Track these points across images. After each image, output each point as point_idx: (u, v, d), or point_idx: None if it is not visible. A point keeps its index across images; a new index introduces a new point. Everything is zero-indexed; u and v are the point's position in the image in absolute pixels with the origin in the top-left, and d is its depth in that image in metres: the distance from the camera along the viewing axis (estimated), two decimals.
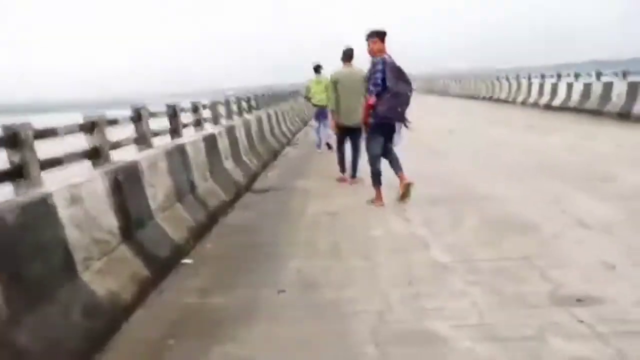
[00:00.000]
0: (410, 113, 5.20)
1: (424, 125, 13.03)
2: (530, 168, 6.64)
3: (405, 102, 4.98)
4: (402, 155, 5.40)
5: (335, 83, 6.39)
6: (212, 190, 5.34)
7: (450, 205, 4.90)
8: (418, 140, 10.14)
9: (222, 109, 9.99)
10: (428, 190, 5.59)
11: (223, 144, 6.40)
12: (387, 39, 5.03)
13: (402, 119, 5.05)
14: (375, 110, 5.00)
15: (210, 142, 5.87)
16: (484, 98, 24.53)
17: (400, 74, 4.92)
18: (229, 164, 6.40)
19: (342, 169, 6.80)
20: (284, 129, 12.37)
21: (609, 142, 8.53)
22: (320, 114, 9.52)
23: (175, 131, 7.25)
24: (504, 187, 5.65)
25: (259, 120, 9.56)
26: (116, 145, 4.98)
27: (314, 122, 10.40)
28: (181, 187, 4.50)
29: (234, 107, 11.34)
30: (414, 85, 5.39)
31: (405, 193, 5.12)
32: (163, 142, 5.49)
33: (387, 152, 5.25)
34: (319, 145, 9.99)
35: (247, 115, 10.40)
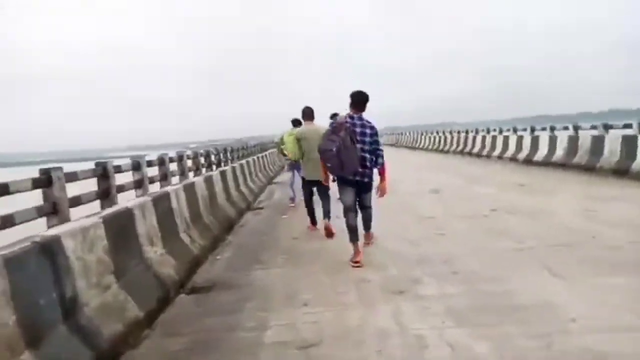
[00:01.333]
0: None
1: (402, 181, 11.81)
2: (571, 249, 4.96)
3: (333, 158, 4.97)
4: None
5: (299, 140, 6.77)
6: (113, 305, 3.39)
7: (490, 330, 3.14)
8: (401, 204, 8.65)
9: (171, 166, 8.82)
10: (440, 290, 3.91)
11: (146, 221, 4.53)
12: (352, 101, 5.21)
13: (342, 174, 5.09)
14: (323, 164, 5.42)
15: (119, 223, 3.98)
16: (454, 152, 23.77)
17: (335, 131, 5.00)
18: (152, 252, 4.50)
19: (313, 221, 7.19)
20: (244, 189, 10.56)
21: (628, 205, 7.23)
22: (295, 166, 9.30)
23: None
24: (563, 290, 3.81)
25: (209, 181, 7.71)
26: None
27: (287, 174, 10.46)
28: (42, 316, 2.62)
29: (188, 163, 10.37)
30: (380, 139, 5.54)
31: (355, 262, 5.01)
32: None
33: (361, 207, 5.44)
34: (292, 199, 9.76)
35: (191, 177, 8.44)
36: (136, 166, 7.62)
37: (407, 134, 40.11)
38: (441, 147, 26.86)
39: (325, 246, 5.99)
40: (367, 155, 5.07)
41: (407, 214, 7.72)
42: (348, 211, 5.20)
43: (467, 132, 26.72)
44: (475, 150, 20.79)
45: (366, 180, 5.15)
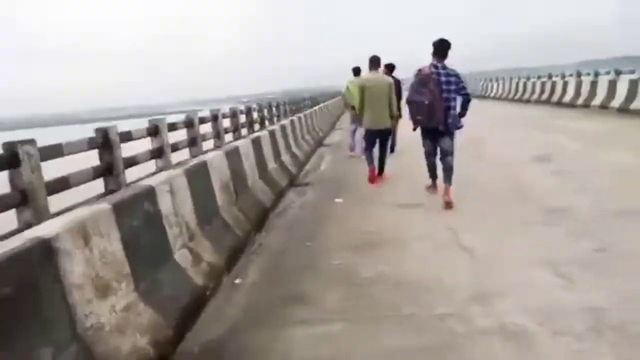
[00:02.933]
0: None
1: (491, 143, 9.24)
2: None
3: (423, 110, 5.27)
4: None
5: (362, 88, 6.64)
6: None
7: None
8: (506, 182, 6.15)
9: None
10: None
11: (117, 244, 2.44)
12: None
13: (428, 125, 5.37)
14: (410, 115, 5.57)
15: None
16: (537, 101, 20.14)
17: (422, 83, 5.25)
18: (124, 300, 2.47)
19: (371, 164, 6.92)
20: (286, 158, 8.33)
21: None
22: (358, 119, 8.30)
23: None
24: None
25: (234, 154, 5.54)
26: None
27: (350, 125, 9.96)
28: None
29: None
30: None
31: (446, 205, 5.24)
32: None
33: (442, 157, 5.55)
34: (353, 149, 9.63)
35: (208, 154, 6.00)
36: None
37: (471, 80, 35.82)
38: (518, 95, 23.10)
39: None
40: (451, 105, 5.25)
41: (522, 203, 5.20)
42: (429, 155, 5.82)
43: (550, 76, 22.80)
44: (567, 98, 17.20)
45: (450, 128, 5.34)
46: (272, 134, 7.54)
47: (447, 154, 5.48)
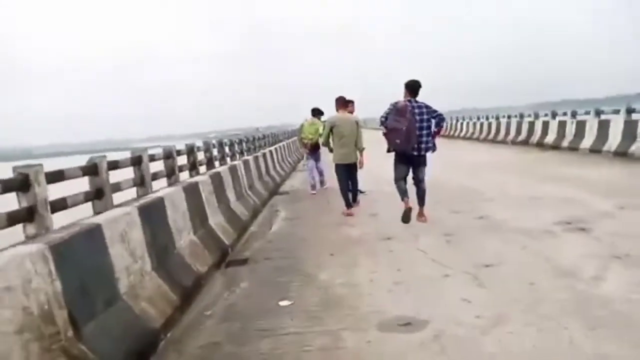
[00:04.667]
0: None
1: (489, 198, 7.31)
2: None
3: (401, 136, 5.94)
4: None
5: (331, 127, 7.14)
6: None
7: None
8: (545, 269, 3.96)
9: None
10: None
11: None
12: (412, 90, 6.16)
13: (405, 149, 6.03)
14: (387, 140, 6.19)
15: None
16: (512, 142, 18.79)
17: (399, 114, 5.96)
18: None
19: (346, 201, 7.26)
20: (218, 220, 6.02)
21: None
22: (314, 155, 9.77)
23: None
24: None
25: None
26: None
27: (306, 162, 10.38)
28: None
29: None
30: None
31: (406, 216, 6.18)
32: None
33: (416, 182, 6.25)
34: (313, 186, 9.86)
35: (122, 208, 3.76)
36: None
37: None
38: (491, 136, 21.80)
39: None
40: (424, 132, 6.02)
41: (589, 325, 3.05)
42: (399, 180, 6.26)
43: (521, 115, 21.72)
44: (549, 140, 15.80)
45: (422, 153, 6.10)
46: (191, 188, 5.21)
47: (421, 181, 6.25)
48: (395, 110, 6.01)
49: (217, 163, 12.72)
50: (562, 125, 15.49)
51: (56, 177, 4.75)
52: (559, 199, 7.05)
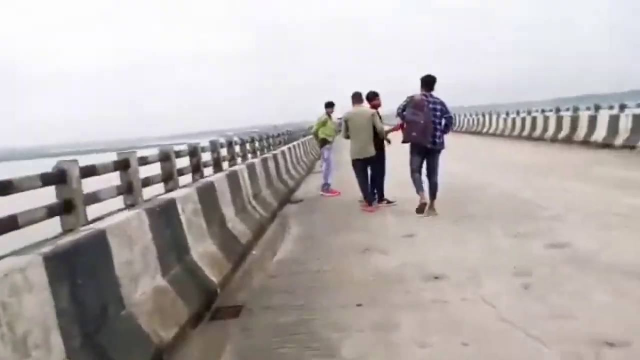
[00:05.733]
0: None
1: (565, 222, 5.27)
2: None
3: (419, 129, 6.20)
4: None
5: (346, 121, 7.23)
6: None
7: None
8: None
9: None
10: None
11: None
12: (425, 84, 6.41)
13: (421, 141, 6.25)
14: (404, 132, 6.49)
15: None
16: (551, 139, 16.93)
17: (418, 107, 6.22)
18: None
19: (365, 195, 7.21)
20: (207, 249, 4.56)
21: None
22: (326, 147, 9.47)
23: None
24: None
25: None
26: None
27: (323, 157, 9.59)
28: None
29: None
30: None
31: (420, 208, 6.35)
32: None
33: (428, 174, 6.43)
34: (326, 185, 9.19)
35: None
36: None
37: (463, 115, 32.85)
38: (526, 132, 19.88)
39: None
40: (438, 126, 6.22)
41: None
42: (415, 172, 6.45)
43: (557, 110, 19.87)
44: (599, 136, 13.94)
45: (437, 147, 6.29)
46: (162, 209, 3.73)
47: (433, 174, 6.42)
48: (413, 104, 6.28)
49: (225, 164, 11.38)
50: (614, 119, 13.61)
51: None
52: None
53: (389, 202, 7.33)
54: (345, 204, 8.06)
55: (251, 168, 7.22)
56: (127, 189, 6.34)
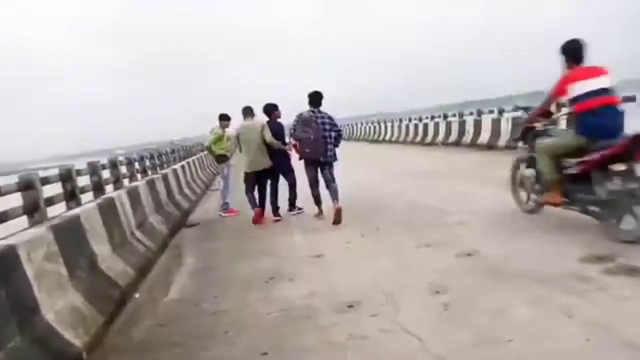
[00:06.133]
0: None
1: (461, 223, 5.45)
2: None
3: (310, 145, 6.54)
4: None
5: (237, 136, 7.47)
6: None
7: None
8: None
9: None
10: None
11: None
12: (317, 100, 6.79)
13: (314, 157, 6.59)
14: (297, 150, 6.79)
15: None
16: (443, 143, 17.89)
17: (306, 124, 6.54)
18: None
19: (253, 206, 7.38)
20: (73, 302, 3.62)
21: None
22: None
23: None
24: None
25: None
26: None
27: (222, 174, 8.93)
28: None
29: None
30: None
31: (336, 218, 6.34)
32: None
33: (326, 184, 6.64)
34: (225, 207, 8.53)
35: None
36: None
37: (356, 124, 33.87)
38: (417, 138, 20.91)
39: None
40: (329, 140, 6.55)
41: None
42: (312, 185, 6.78)
43: (444, 116, 21.16)
44: (483, 139, 14.93)
45: (329, 160, 6.63)
46: None
47: (331, 181, 6.65)
48: (302, 121, 6.59)
49: (110, 187, 10.00)
50: (496, 122, 14.68)
51: None
52: (560, 217, 5.49)
53: (299, 208, 7.43)
54: (247, 224, 7.40)
55: (133, 193, 6.25)
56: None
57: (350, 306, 3.59)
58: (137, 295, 4.58)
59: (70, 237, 3.90)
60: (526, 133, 5.44)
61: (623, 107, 4.53)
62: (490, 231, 5.19)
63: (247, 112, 7.53)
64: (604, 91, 4.38)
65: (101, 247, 4.49)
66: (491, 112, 19.09)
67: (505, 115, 15.88)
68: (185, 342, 3.37)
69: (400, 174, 10.90)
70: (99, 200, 5.09)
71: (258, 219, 7.22)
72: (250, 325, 3.50)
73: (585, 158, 4.40)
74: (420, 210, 6.65)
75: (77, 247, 4.01)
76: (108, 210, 5.03)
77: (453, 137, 17.44)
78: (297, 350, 3.02)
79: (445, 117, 20.91)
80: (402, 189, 8.72)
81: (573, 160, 4.60)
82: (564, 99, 4.81)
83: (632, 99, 8.67)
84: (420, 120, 23.01)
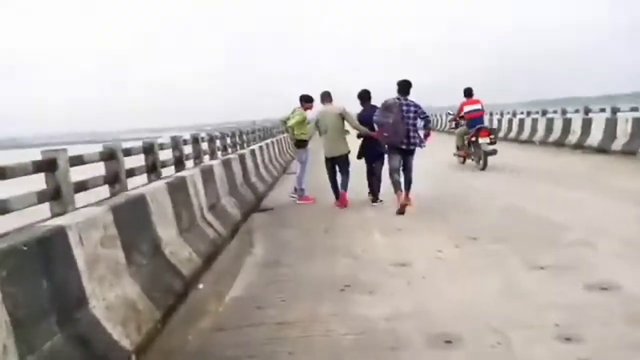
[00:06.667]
0: None
1: None
2: None
3: (389, 129, 6.50)
4: None
5: (316, 121, 7.45)
6: None
7: None
8: None
9: None
10: None
11: None
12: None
13: (393, 141, 6.56)
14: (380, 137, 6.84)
15: None
16: (541, 143, 16.02)
17: (388, 109, 6.53)
18: None
19: (337, 195, 7.33)
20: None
21: None
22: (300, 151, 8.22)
23: None
24: None
25: None
26: None
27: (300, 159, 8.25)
28: None
29: None
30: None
31: (401, 210, 6.43)
32: None
33: (404, 171, 6.70)
34: (299, 190, 8.03)
35: None
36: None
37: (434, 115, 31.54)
38: (511, 134, 18.98)
39: None
40: (411, 127, 6.51)
41: None
42: (394, 172, 6.69)
43: (543, 112, 18.94)
44: (593, 141, 13.04)
45: (411, 147, 6.59)
46: (48, 245, 2.39)
47: (409, 169, 6.72)
48: (384, 107, 6.59)
49: (191, 163, 9.95)
50: (610, 123, 12.73)
51: None
52: None
53: (380, 200, 7.19)
54: (322, 214, 6.83)
55: (207, 172, 5.89)
56: None
57: (448, 342, 2.83)
58: (200, 286, 4.16)
59: (132, 218, 3.53)
60: (457, 125, 11.34)
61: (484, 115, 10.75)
62: (628, 256, 4.11)
63: (326, 97, 7.45)
64: (477, 110, 10.36)
65: (167, 230, 4.11)
66: (602, 110, 16.75)
67: (623, 115, 13.80)
68: (242, 358, 2.83)
69: (492, 169, 9.73)
70: (169, 179, 4.73)
71: (341, 203, 7.19)
72: (319, 349, 2.88)
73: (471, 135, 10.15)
74: (522, 220, 5.64)
75: (139, 229, 3.63)
76: (178, 190, 4.66)
77: (555, 135, 15.56)
78: None
79: (545, 113, 18.81)
80: (496, 189, 7.66)
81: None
82: (462, 113, 10.60)
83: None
84: (514, 115, 20.98)
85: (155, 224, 3.92)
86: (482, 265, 4.17)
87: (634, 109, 15.80)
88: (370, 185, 7.27)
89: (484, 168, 9.93)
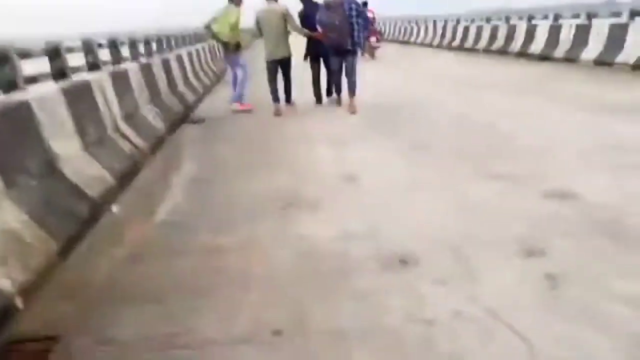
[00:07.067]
0: None
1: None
2: None
3: (335, 30, 6.24)
4: None
5: (256, 22, 6.66)
6: None
7: None
8: None
9: None
10: None
11: None
12: None
13: (340, 44, 6.30)
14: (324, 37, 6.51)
15: None
16: (485, 50, 15.81)
17: (331, 9, 6.21)
18: None
19: (275, 98, 6.81)
20: None
21: None
22: (232, 58, 7.30)
23: None
24: None
25: None
26: None
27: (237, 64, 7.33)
28: None
29: None
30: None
31: (350, 111, 6.42)
32: None
33: (347, 74, 6.53)
34: (238, 99, 7.28)
35: None
36: None
37: (393, 23, 30.52)
38: (455, 42, 18.58)
39: None
40: (355, 27, 6.23)
41: None
42: (334, 73, 6.76)
43: (487, 20, 18.60)
44: (536, 48, 12.93)
45: (356, 48, 6.40)
46: None
47: (352, 71, 6.48)
48: (327, 5, 6.25)
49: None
50: (554, 30, 12.56)
51: None
52: None
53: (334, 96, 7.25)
54: (260, 126, 6.21)
55: (121, 77, 4.96)
56: None
57: (403, 262, 2.49)
58: (114, 210, 3.53)
59: (11, 132, 2.74)
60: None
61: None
62: (585, 164, 3.92)
63: None
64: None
65: (65, 145, 3.34)
66: (545, 18, 16.62)
67: (566, 21, 13.67)
68: (161, 296, 2.35)
69: (438, 81, 9.37)
70: (63, 84, 3.82)
71: (278, 112, 6.80)
72: (259, 278, 2.45)
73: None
74: (472, 128, 5.35)
75: (21, 145, 2.86)
76: (80, 97, 3.81)
77: (499, 43, 15.31)
78: (327, 332, 1.98)
79: (489, 20, 18.44)
80: (444, 99, 7.33)
81: None
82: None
83: None
84: (458, 22, 20.44)
85: (48, 138, 3.14)
86: (433, 175, 3.84)
87: (575, 17, 15.85)
88: (329, 83, 7.25)
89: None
